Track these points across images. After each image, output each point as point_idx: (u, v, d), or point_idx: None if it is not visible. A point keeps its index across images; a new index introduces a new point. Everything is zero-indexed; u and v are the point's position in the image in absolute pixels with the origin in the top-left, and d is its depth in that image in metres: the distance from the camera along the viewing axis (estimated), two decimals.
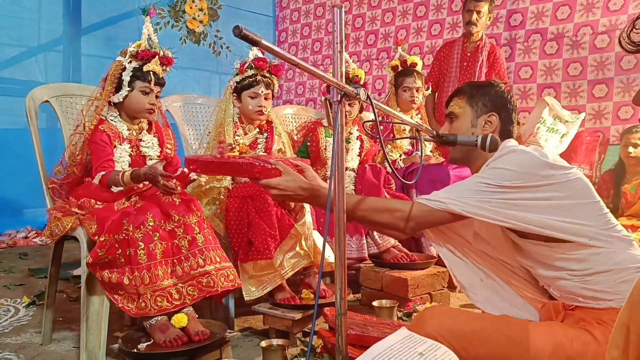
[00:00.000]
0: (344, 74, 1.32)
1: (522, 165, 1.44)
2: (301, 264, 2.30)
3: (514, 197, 1.42)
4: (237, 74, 2.52)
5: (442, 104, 3.82)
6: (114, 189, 2.08)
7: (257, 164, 1.50)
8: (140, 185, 2.08)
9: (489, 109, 1.64)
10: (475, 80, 3.68)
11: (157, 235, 1.90)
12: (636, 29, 1.03)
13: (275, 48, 1.06)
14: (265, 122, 2.63)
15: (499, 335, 1.41)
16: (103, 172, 2.07)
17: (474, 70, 3.72)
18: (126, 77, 2.14)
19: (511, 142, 1.60)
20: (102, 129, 2.13)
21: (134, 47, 2.16)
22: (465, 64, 3.77)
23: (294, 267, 2.29)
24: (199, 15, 5.39)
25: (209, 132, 2.49)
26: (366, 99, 1.32)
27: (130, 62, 2.16)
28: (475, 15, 3.64)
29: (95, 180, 2.07)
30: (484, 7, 3.63)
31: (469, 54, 3.77)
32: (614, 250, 1.41)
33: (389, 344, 1.35)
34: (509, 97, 1.66)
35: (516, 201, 1.42)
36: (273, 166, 1.49)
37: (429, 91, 3.53)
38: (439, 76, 3.89)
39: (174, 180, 1.99)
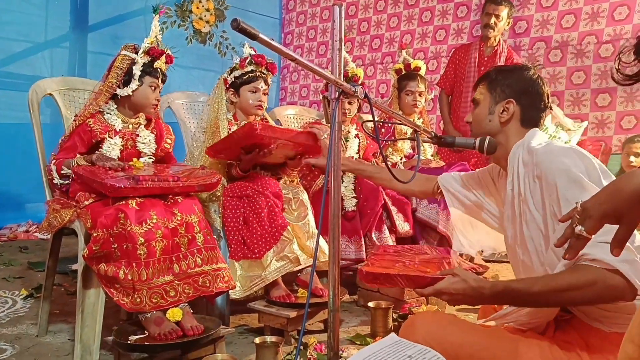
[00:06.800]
0: (342, 71, 1.32)
1: None
2: (287, 269, 2.29)
3: None
4: (235, 69, 2.53)
5: (459, 107, 3.77)
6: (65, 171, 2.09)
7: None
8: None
9: (506, 95, 1.53)
10: None
11: (160, 232, 1.90)
12: (623, 62, 0.99)
13: (273, 42, 1.06)
14: (260, 118, 2.64)
15: (487, 353, 1.36)
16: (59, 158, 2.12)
17: None
18: (137, 71, 2.16)
19: (537, 137, 1.47)
20: (89, 123, 2.14)
21: (148, 44, 2.18)
22: (482, 68, 3.68)
23: (280, 270, 2.29)
24: (205, 16, 5.42)
25: (204, 130, 2.50)
26: (364, 97, 1.33)
27: (142, 57, 2.17)
28: (493, 19, 3.58)
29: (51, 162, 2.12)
30: (504, 12, 3.57)
31: (486, 58, 3.70)
32: None
33: (378, 347, 1.35)
34: (534, 82, 1.54)
35: None
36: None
37: (432, 96, 3.52)
38: (454, 79, 3.83)
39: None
